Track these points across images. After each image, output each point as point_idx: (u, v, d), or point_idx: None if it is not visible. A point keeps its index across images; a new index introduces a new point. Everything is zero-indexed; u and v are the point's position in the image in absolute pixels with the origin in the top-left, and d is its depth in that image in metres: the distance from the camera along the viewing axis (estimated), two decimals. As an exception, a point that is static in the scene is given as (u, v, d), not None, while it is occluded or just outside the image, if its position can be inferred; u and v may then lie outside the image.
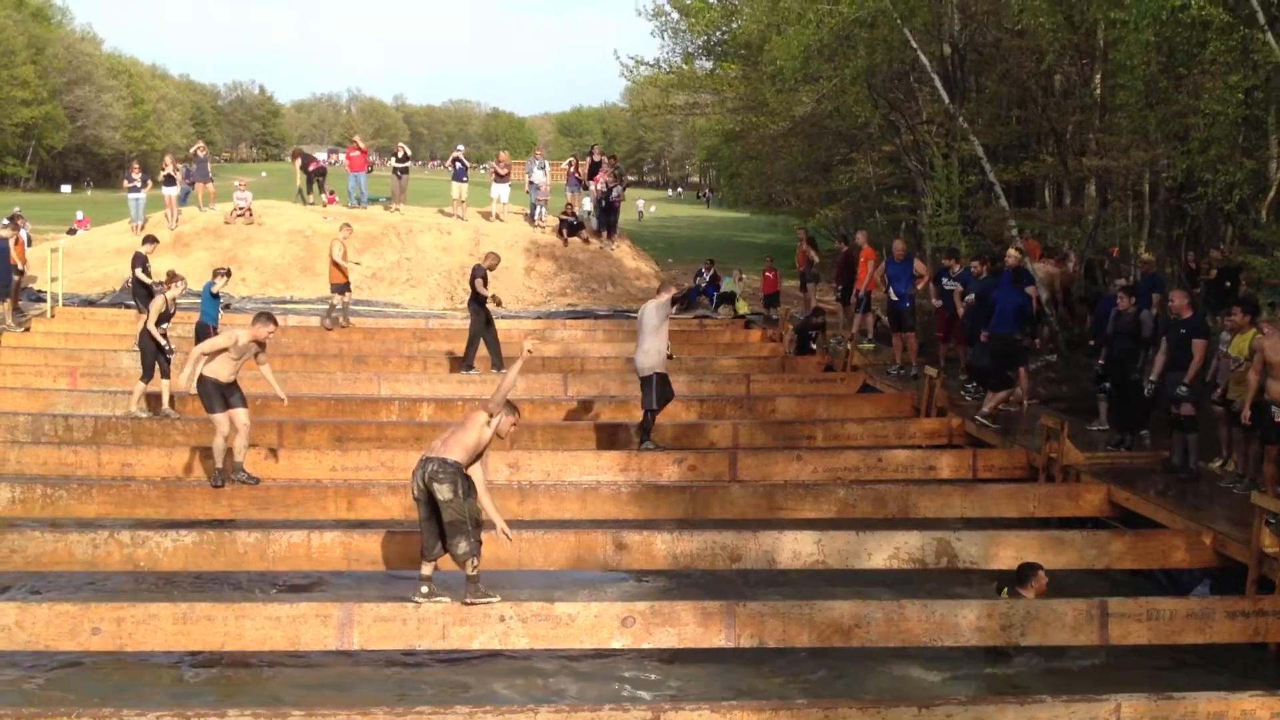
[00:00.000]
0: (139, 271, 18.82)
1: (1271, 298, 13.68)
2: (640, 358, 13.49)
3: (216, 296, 16.45)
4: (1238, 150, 16.02)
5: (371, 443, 13.34)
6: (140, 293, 18.82)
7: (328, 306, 21.44)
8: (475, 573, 8.60)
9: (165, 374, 14.24)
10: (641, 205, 68.76)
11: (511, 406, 9.13)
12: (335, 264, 20.74)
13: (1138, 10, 15.19)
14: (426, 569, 8.86)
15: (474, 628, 8.39)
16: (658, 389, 13.47)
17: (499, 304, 18.18)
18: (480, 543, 8.77)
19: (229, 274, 16.95)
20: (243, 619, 8.24)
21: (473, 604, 8.44)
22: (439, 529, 8.74)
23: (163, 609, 8.28)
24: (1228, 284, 15.05)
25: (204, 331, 16.09)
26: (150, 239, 19.82)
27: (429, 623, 8.36)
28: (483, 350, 17.75)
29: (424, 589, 8.75)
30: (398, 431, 13.78)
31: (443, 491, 8.51)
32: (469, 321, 18.23)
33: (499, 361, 17.36)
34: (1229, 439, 11.93)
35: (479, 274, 17.72)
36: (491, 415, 8.88)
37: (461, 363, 17.81)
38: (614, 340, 21.27)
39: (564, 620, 8.44)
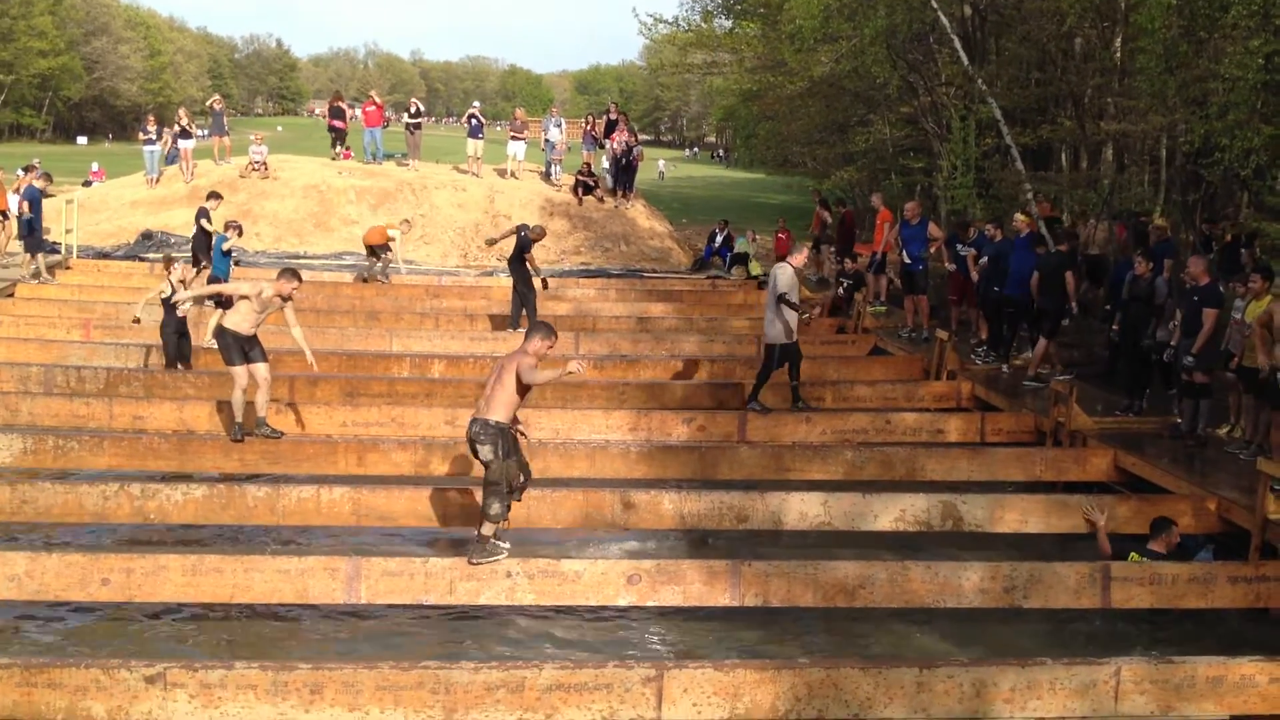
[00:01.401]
0: (204, 222, 18.39)
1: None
2: (767, 327, 13.52)
3: (228, 253, 16.47)
4: (1256, 116, 15.87)
5: (382, 399, 13.37)
6: (201, 243, 18.29)
7: (368, 264, 21.51)
8: (491, 534, 8.61)
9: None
10: (663, 165, 68.78)
11: (549, 329, 9.06)
12: (388, 236, 21.15)
13: (1160, -27, 15.03)
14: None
15: (481, 583, 8.44)
16: (780, 358, 13.41)
17: (545, 285, 18.12)
18: (509, 508, 8.81)
19: (240, 229, 16.90)
20: (251, 571, 8.31)
21: (478, 564, 8.47)
22: (522, 478, 8.88)
23: (172, 560, 8.34)
24: (1243, 250, 14.95)
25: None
26: (214, 195, 19.57)
27: (436, 578, 8.42)
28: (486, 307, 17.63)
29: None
30: (409, 388, 13.80)
31: (484, 452, 8.59)
32: (512, 283, 17.81)
33: (534, 321, 17.29)
34: (1239, 405, 11.91)
35: (526, 246, 17.55)
36: (529, 352, 8.77)
37: (509, 323, 17.57)
38: (626, 300, 21.29)
39: (570, 577, 8.49)
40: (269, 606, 8.53)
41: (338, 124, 29.23)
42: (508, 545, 8.65)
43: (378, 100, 29.04)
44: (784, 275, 13.36)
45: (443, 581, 8.38)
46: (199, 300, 11.09)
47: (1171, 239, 14.75)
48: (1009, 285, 15.10)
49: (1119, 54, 20.49)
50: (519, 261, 17.39)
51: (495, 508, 8.61)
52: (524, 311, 17.26)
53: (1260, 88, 15.58)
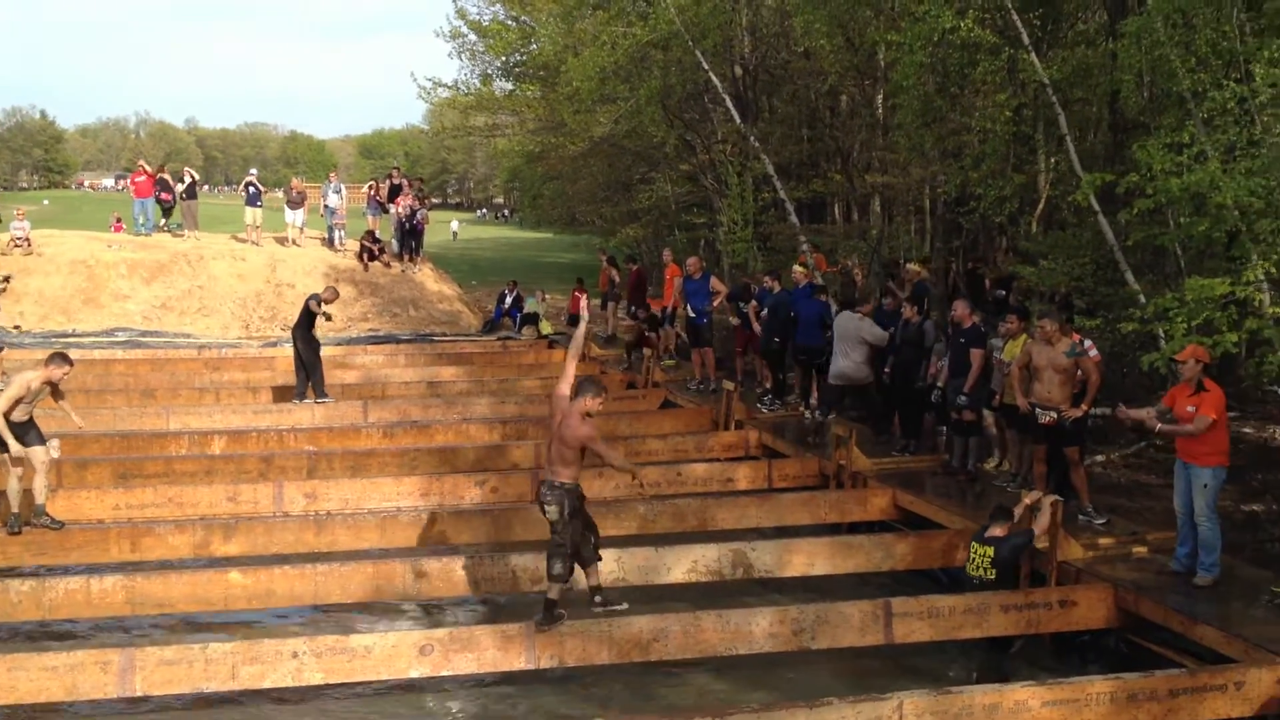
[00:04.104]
0: None
1: (1041, 306, 14.39)
2: (854, 372, 14.08)
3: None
4: (1008, 166, 16.86)
5: (158, 479, 12.84)
6: None
7: None
8: (556, 598, 8.62)
9: None
10: (455, 226, 69.00)
11: (598, 385, 8.98)
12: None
13: (912, 33, 15.86)
14: (593, 579, 8.96)
15: (265, 666, 8.14)
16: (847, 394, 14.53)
17: (329, 318, 17.59)
18: (573, 572, 8.83)
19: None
20: (15, 670, 7.81)
21: (546, 630, 8.48)
22: (591, 538, 8.95)
23: (-74, 666, 7.80)
24: (1002, 293, 15.79)
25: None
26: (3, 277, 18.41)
27: (217, 664, 8.07)
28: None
29: (597, 598, 8.88)
30: (186, 466, 13.30)
31: (550, 512, 8.70)
32: (295, 351, 17.24)
33: (321, 391, 16.95)
34: (1003, 440, 12.53)
35: (315, 300, 17.23)
36: (584, 413, 8.71)
37: (294, 394, 17.08)
38: (416, 364, 21.04)
39: (360, 653, 8.28)
40: (36, 707, 8.03)
41: (165, 196, 28.21)
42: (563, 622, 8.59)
43: (148, 169, 28.06)
44: (869, 324, 14.09)
45: (224, 667, 8.04)
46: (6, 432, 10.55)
47: (926, 282, 15.46)
48: (800, 334, 15.55)
49: (880, 110, 21.52)
50: (305, 330, 17.01)
51: (557, 568, 8.67)
52: (310, 382, 16.89)
53: (1011, 139, 16.58)
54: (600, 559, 9.10)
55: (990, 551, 9.04)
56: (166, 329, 23.33)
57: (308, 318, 17.07)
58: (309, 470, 13.49)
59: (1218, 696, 7.53)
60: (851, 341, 14.05)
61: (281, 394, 17.65)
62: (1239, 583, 9.16)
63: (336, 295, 18.65)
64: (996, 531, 9.18)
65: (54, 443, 12.34)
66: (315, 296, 17.37)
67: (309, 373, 16.90)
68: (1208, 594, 8.86)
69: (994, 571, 8.99)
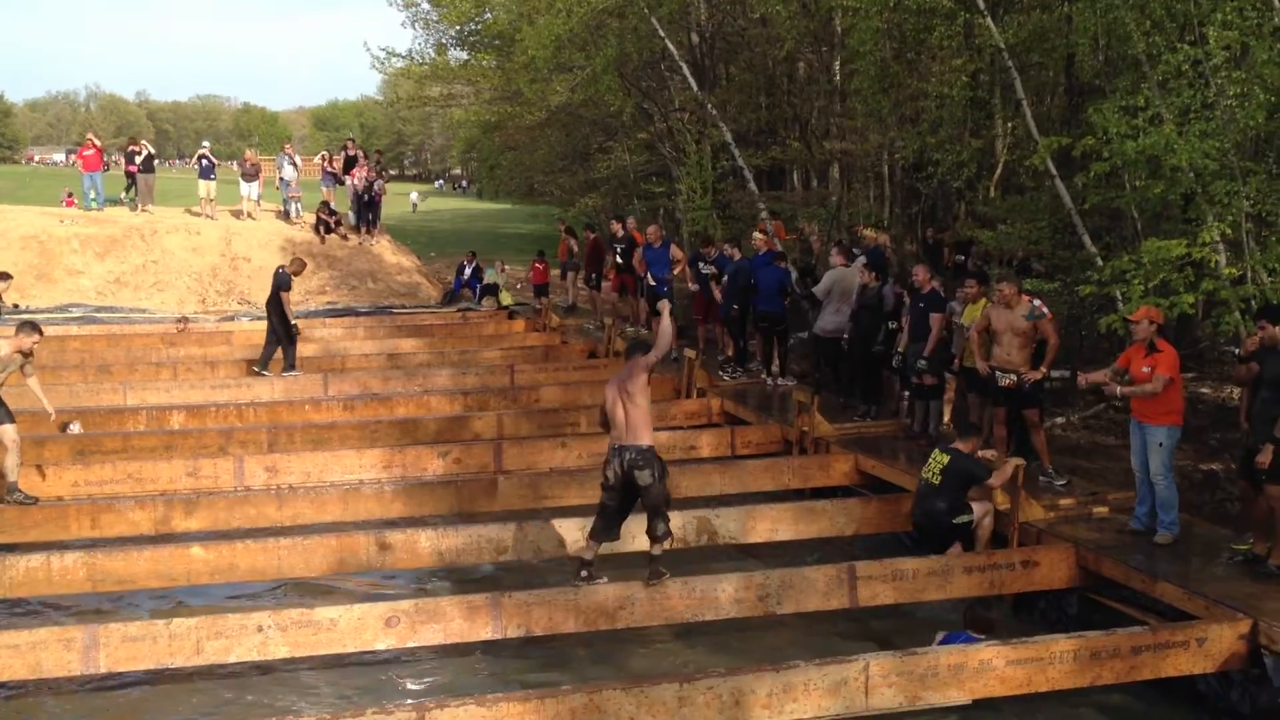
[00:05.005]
0: None
1: (999, 270, 14.46)
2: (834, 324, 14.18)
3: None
4: (966, 131, 16.90)
5: (117, 455, 12.70)
6: None
7: None
8: (661, 554, 8.78)
9: None
10: (415, 197, 68.39)
11: (646, 345, 9.35)
12: None
13: (867, -3, 15.86)
14: (589, 554, 9.00)
15: (230, 640, 8.08)
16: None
17: (297, 330, 17.42)
18: (669, 523, 8.97)
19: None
20: (-24, 650, 7.73)
21: (655, 584, 8.64)
22: (624, 516, 9.02)
23: (-116, 647, 7.68)
24: (960, 257, 15.87)
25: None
26: (3, 275, 18.11)
27: (181, 639, 8.00)
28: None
29: (584, 573, 8.87)
30: (146, 441, 13.16)
31: (643, 477, 8.69)
32: (269, 325, 17.13)
33: (291, 363, 16.92)
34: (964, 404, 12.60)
35: (284, 284, 17.01)
36: (650, 368, 8.88)
37: (258, 364, 16.99)
38: (375, 337, 20.90)
39: (325, 625, 8.23)
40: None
41: (131, 169, 27.79)
42: (667, 574, 8.77)
43: (97, 143, 27.61)
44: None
45: (189, 642, 7.98)
46: None
47: (879, 246, 15.50)
48: (760, 301, 15.56)
49: (838, 76, 21.49)
50: (277, 302, 16.87)
51: (662, 528, 8.79)
52: (274, 355, 16.78)
53: (968, 104, 16.62)
54: (618, 538, 9.20)
55: (945, 460, 9.50)
56: (121, 304, 23.06)
57: (277, 288, 16.94)
58: (269, 444, 13.39)
59: (1180, 653, 7.64)
60: (832, 299, 14.06)
61: (241, 368, 17.50)
62: (1198, 541, 9.30)
63: (304, 266, 18.54)
64: (960, 446, 9.59)
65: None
66: (282, 269, 17.25)
67: (283, 345, 16.80)
68: (1168, 552, 8.98)
69: (940, 479, 9.45)
